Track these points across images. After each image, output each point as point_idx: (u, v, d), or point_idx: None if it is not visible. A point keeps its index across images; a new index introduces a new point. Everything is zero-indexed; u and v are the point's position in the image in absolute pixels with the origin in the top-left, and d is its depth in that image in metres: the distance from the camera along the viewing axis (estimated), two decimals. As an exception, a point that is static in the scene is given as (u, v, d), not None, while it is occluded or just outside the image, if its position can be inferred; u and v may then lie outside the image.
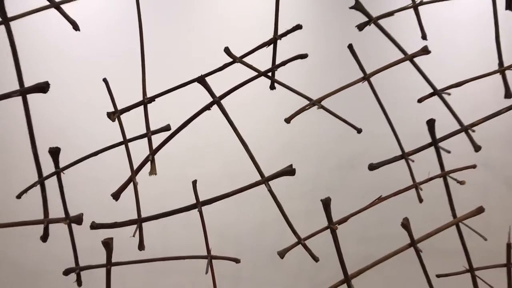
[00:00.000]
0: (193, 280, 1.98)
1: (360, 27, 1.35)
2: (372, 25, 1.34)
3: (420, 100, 1.35)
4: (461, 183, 1.30)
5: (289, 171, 1.26)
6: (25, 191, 1.31)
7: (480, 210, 1.28)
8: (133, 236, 1.27)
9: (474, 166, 1.36)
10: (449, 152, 1.28)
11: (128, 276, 1.43)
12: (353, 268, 1.28)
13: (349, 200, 1.59)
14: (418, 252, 1.30)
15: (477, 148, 1.32)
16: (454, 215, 1.33)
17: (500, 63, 1.37)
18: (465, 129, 1.32)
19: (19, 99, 1.23)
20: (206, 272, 1.26)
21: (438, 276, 1.39)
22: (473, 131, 1.30)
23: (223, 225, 1.89)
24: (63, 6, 1.28)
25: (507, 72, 1.36)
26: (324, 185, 1.78)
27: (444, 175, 1.31)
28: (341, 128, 1.41)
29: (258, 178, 1.26)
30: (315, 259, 1.30)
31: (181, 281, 1.99)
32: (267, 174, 1.25)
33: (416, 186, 1.33)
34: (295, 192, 1.77)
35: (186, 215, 1.37)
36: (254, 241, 1.74)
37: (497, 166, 1.90)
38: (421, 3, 1.35)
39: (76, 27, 1.27)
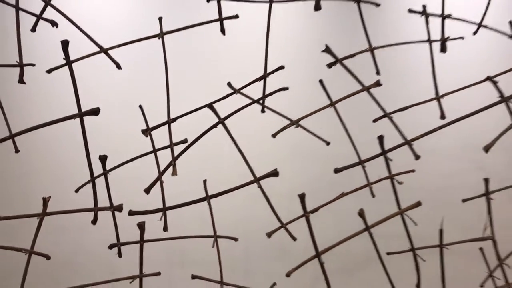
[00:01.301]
0: (207, 273, 2.30)
1: (329, 65, 1.79)
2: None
3: (374, 121, 1.79)
4: (400, 183, 1.73)
5: (274, 173, 1.70)
6: (81, 187, 1.77)
7: (418, 204, 1.70)
8: (160, 220, 1.73)
9: (413, 171, 1.79)
10: (391, 160, 1.71)
11: (147, 268, 1.76)
12: (355, 261, 1.67)
13: (352, 198, 1.83)
14: (371, 235, 1.72)
15: (416, 157, 1.75)
16: (399, 207, 1.76)
17: (436, 92, 1.80)
18: (407, 142, 1.75)
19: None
20: (213, 246, 1.72)
21: (388, 254, 1.81)
22: (412, 144, 1.73)
23: (235, 222, 2.21)
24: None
25: (442, 100, 1.79)
26: (329, 184, 1.96)
27: (390, 177, 1.75)
28: (380, 128, 1.75)
29: (276, 179, 1.68)
30: (294, 239, 1.74)
31: (195, 272, 2.25)
32: (306, 173, 1.66)
33: (368, 185, 1.76)
34: (302, 191, 1.98)
35: (201, 213, 1.78)
36: (263, 236, 1.93)
37: (492, 169, 2.21)
38: (376, 48, 1.79)
39: (119, 67, 1.73)
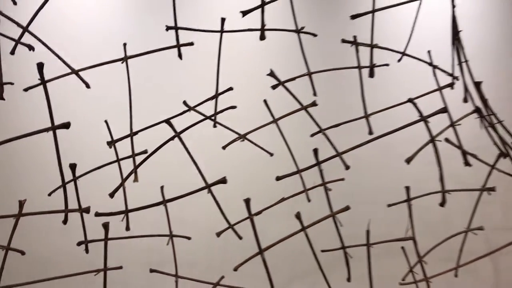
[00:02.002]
0: (188, 273, 2.24)
1: (273, 87, 2.05)
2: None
3: (311, 135, 2.05)
4: (329, 189, 2.00)
5: (222, 180, 1.95)
6: (54, 191, 2.00)
7: (347, 208, 1.96)
8: (122, 221, 1.97)
9: (342, 179, 2.06)
10: (322, 170, 1.98)
11: (128, 268, 1.95)
12: (327, 261, 1.92)
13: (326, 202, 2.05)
14: (307, 235, 1.96)
15: (346, 167, 2.02)
16: (331, 210, 2.02)
17: (365, 111, 2.07)
18: (338, 154, 2.01)
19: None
20: (167, 244, 1.98)
21: (322, 251, 2.07)
22: (341, 155, 2.00)
23: (213, 222, 2.37)
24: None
25: (370, 118, 2.06)
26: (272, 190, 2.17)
27: (323, 184, 2.02)
28: (316, 142, 1.98)
29: (227, 186, 1.92)
30: (239, 237, 2.00)
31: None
32: (252, 180, 1.90)
33: (305, 191, 2.03)
34: (276, 195, 2.19)
35: (179, 214, 2.01)
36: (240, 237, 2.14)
37: (458, 176, 2.43)
38: (313, 72, 2.06)
39: (88, 86, 1.97)
